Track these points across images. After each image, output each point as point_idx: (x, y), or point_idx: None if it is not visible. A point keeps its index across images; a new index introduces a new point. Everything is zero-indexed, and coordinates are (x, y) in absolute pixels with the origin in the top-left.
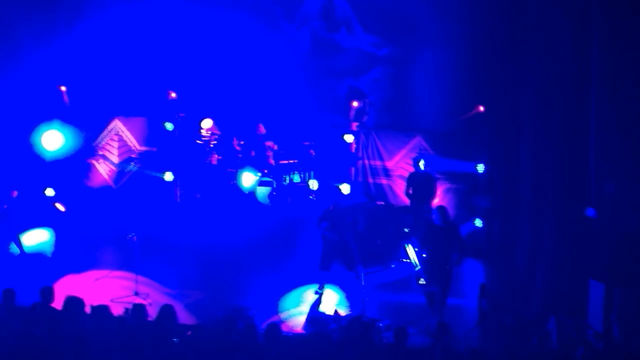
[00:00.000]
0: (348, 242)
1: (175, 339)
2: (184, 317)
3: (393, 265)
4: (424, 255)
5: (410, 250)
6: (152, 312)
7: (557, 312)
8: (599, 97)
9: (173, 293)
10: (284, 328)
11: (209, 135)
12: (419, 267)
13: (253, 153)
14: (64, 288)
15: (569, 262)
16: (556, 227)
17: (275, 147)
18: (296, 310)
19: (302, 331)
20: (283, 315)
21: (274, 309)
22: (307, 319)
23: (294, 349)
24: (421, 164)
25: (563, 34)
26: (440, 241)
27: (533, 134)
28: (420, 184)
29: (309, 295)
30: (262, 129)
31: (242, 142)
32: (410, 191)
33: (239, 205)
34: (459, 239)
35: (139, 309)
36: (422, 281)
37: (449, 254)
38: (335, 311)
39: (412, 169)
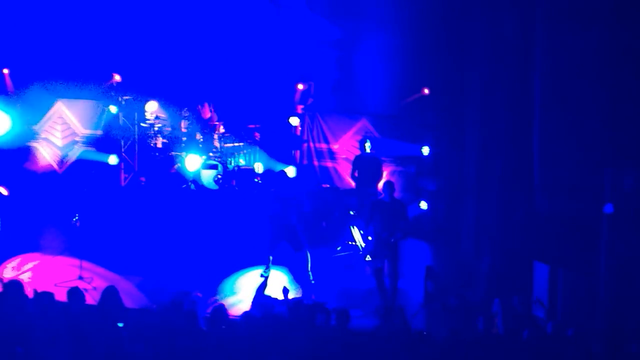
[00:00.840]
0: (294, 224)
1: (119, 324)
2: (129, 301)
3: (339, 248)
4: (369, 233)
5: (356, 233)
6: (98, 297)
7: (502, 294)
8: (544, 79)
9: (118, 278)
10: (229, 312)
11: (153, 118)
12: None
13: (199, 136)
14: (6, 272)
15: (513, 244)
16: (501, 210)
17: (222, 130)
18: (242, 294)
19: (249, 314)
20: (228, 299)
21: (220, 293)
22: (253, 303)
23: (238, 332)
24: (367, 146)
25: (507, 16)
26: (387, 216)
27: (478, 117)
28: (366, 167)
29: (255, 278)
30: (208, 112)
31: (188, 125)
32: (356, 174)
33: (184, 189)
34: (404, 215)
35: (76, 292)
36: (368, 258)
37: (394, 229)
38: (282, 294)
39: (357, 152)
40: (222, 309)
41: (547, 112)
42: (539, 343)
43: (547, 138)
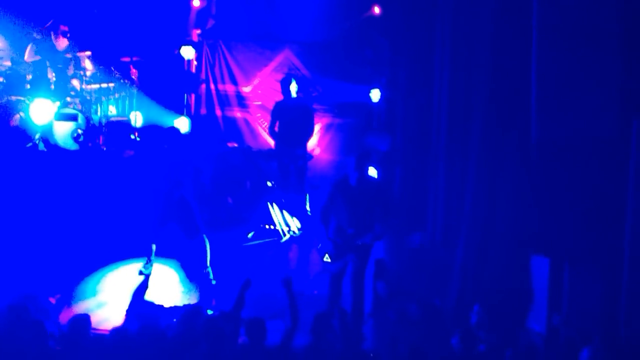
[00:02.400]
0: (187, 200)
1: None
2: None
3: (251, 234)
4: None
5: (277, 212)
6: None
7: (484, 297)
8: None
9: None
10: (94, 324)
11: None
12: (287, 236)
13: (51, 74)
14: None
15: (501, 229)
16: (483, 180)
17: (85, 64)
18: (110, 299)
19: (123, 328)
20: (91, 307)
21: (80, 297)
22: (129, 312)
23: (109, 353)
24: (292, 88)
25: None
26: (355, 205)
27: (452, 46)
28: (291, 118)
29: (131, 276)
30: (63, 39)
31: (36, 57)
32: (277, 128)
33: (30, 150)
34: (384, 204)
35: None
36: (327, 258)
37: (364, 226)
38: (170, 299)
39: (279, 97)
40: (84, 321)
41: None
42: None
43: (550, 71)
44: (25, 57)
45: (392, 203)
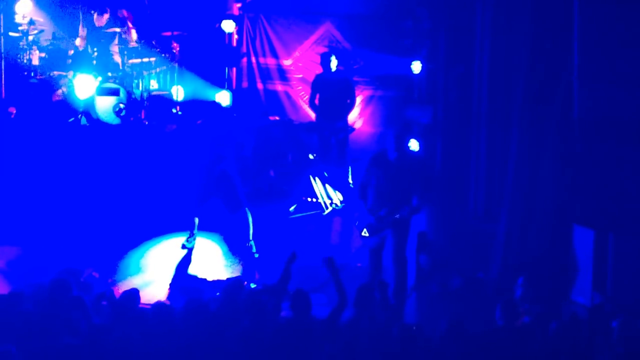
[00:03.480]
0: (230, 174)
1: None
2: None
3: (294, 207)
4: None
5: (319, 186)
6: None
7: (527, 270)
8: None
9: None
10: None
11: (26, 23)
12: (330, 208)
13: (94, 50)
14: None
15: (542, 200)
16: (525, 151)
17: (132, 38)
18: (155, 273)
19: (167, 302)
20: (135, 280)
21: (124, 271)
22: (173, 285)
23: (149, 328)
24: (333, 62)
25: None
26: (393, 181)
27: (492, 15)
28: (331, 91)
29: (175, 250)
30: (105, 15)
31: (85, 34)
32: (317, 101)
33: (72, 125)
34: (423, 180)
35: None
36: (365, 232)
37: (402, 201)
38: (213, 273)
39: (319, 70)
40: (133, 295)
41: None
42: (575, 339)
43: (593, 40)
44: (80, 32)
45: (433, 177)
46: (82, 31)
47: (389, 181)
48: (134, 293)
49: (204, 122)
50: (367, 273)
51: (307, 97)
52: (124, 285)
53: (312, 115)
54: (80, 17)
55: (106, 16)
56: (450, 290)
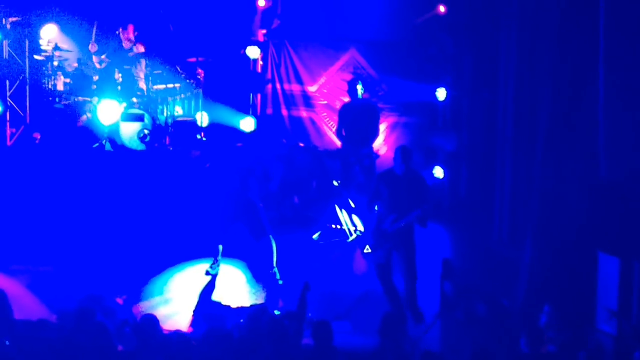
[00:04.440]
0: (254, 200)
1: (6, 341)
2: (18, 309)
3: (317, 235)
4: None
5: (343, 213)
6: None
7: (552, 298)
8: None
9: (2, 277)
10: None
11: (52, 48)
12: (354, 236)
13: (117, 75)
14: None
15: (568, 227)
16: (550, 178)
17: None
18: (178, 300)
19: (190, 329)
20: (159, 307)
21: (148, 297)
22: (197, 311)
23: (176, 353)
24: (359, 89)
25: None
26: (398, 195)
27: (517, 43)
28: (357, 118)
29: (198, 277)
30: (130, 36)
31: (103, 58)
32: (344, 131)
33: (97, 151)
34: (423, 193)
35: None
36: (368, 249)
37: (409, 211)
38: (236, 300)
39: (344, 96)
40: (152, 320)
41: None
42: None
43: (618, 69)
44: (94, 63)
45: (427, 189)
46: (92, 47)
47: (394, 194)
48: (152, 318)
49: (229, 149)
50: (383, 295)
51: (332, 123)
52: (146, 310)
53: (337, 142)
54: (93, 33)
55: (131, 39)
56: (475, 318)
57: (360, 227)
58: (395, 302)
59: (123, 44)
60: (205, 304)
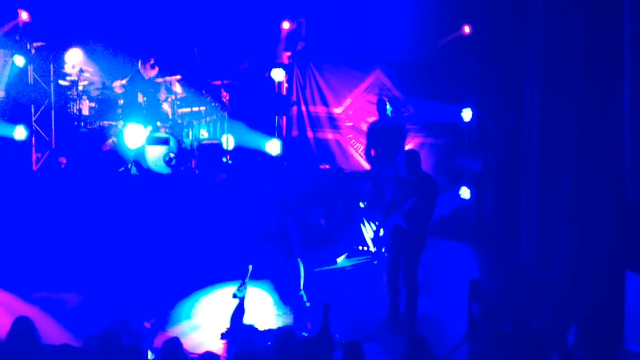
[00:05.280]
0: (281, 222)
1: None
2: (46, 335)
3: (343, 256)
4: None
5: (370, 234)
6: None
7: (580, 318)
8: None
9: (28, 304)
10: (189, 347)
11: (77, 73)
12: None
13: (142, 98)
14: None
15: (595, 247)
16: (577, 198)
17: (176, 88)
18: (207, 323)
19: (220, 352)
20: (187, 329)
21: (174, 322)
22: (225, 334)
23: None
24: (388, 108)
25: None
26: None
27: (543, 64)
28: (386, 137)
29: (226, 299)
30: (152, 69)
31: (125, 82)
32: (373, 150)
33: (122, 174)
34: (431, 199)
35: None
36: (383, 250)
37: (417, 215)
38: (263, 322)
39: (370, 117)
40: (175, 344)
41: None
42: None
43: None
44: (117, 87)
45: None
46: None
47: (404, 197)
48: (176, 342)
49: (255, 171)
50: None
51: (357, 144)
52: (173, 334)
53: (364, 163)
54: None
55: (154, 70)
56: (503, 338)
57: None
58: (393, 302)
59: (144, 74)
60: (234, 326)
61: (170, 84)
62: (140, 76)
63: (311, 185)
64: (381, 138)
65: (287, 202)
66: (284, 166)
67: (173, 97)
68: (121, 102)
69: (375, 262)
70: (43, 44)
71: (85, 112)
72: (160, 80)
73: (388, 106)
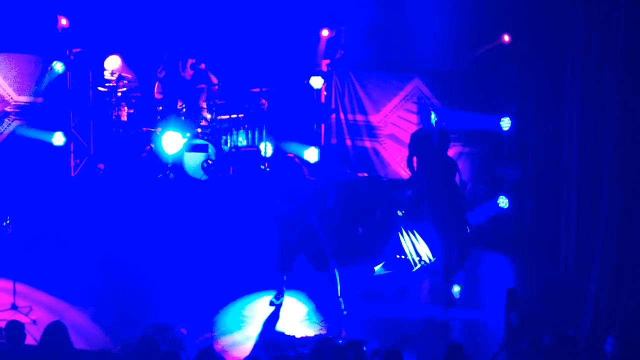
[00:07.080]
0: (316, 231)
1: None
2: (81, 340)
3: (381, 265)
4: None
5: (408, 242)
6: (37, 333)
7: (619, 327)
8: None
9: (66, 307)
10: (225, 354)
11: (115, 79)
12: (419, 266)
13: (181, 104)
14: None
15: (634, 256)
16: (616, 207)
17: (216, 89)
18: (243, 329)
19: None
20: (224, 337)
21: (211, 328)
22: (260, 342)
23: None
24: (433, 118)
25: None
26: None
27: (583, 73)
28: (428, 146)
29: (262, 307)
30: (191, 71)
31: (165, 89)
32: (415, 161)
33: (161, 180)
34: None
35: (15, 329)
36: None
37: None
38: (300, 330)
39: (409, 126)
40: (211, 351)
41: None
42: None
43: None
44: (156, 93)
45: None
46: (158, 89)
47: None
48: (211, 348)
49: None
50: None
51: (395, 153)
52: (210, 341)
53: (404, 171)
54: (158, 74)
55: (192, 70)
56: (541, 348)
57: (425, 257)
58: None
59: (184, 75)
60: (270, 333)
61: (210, 91)
62: (178, 79)
63: (348, 193)
64: (424, 147)
65: (323, 211)
66: (321, 174)
67: (212, 103)
68: (160, 108)
69: (414, 270)
70: (82, 50)
71: (124, 118)
72: (202, 86)
73: (433, 115)
